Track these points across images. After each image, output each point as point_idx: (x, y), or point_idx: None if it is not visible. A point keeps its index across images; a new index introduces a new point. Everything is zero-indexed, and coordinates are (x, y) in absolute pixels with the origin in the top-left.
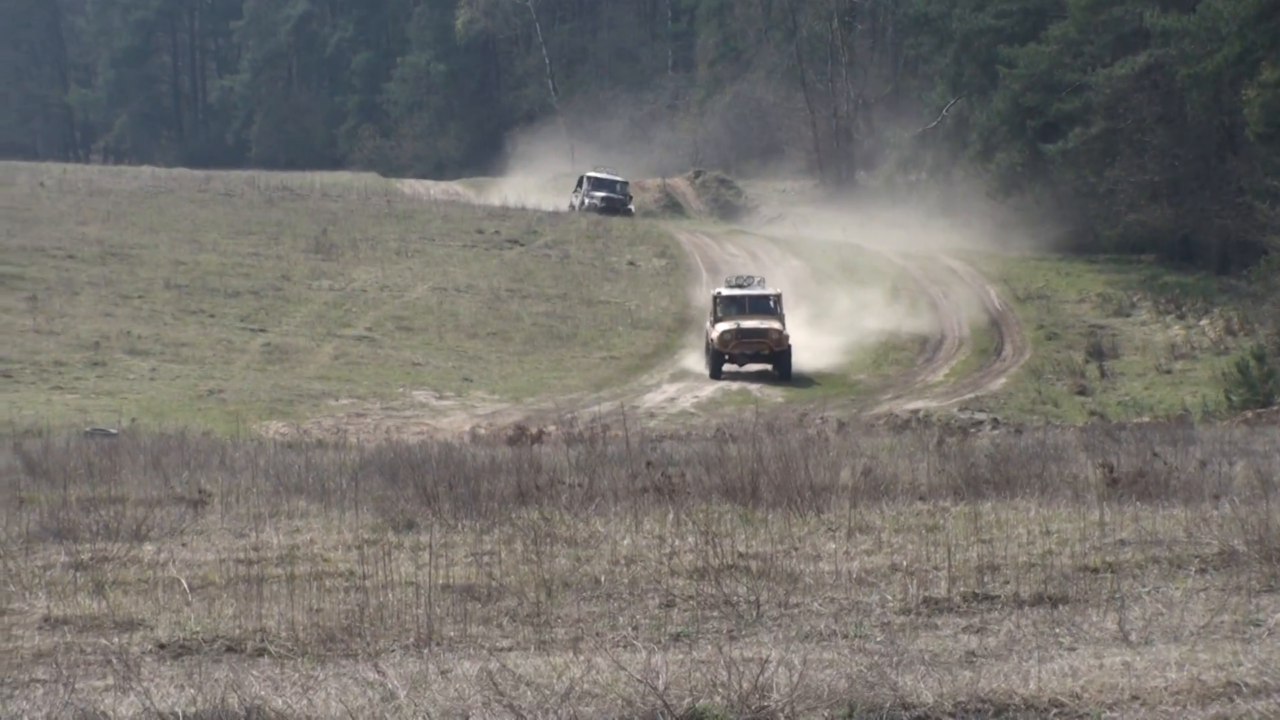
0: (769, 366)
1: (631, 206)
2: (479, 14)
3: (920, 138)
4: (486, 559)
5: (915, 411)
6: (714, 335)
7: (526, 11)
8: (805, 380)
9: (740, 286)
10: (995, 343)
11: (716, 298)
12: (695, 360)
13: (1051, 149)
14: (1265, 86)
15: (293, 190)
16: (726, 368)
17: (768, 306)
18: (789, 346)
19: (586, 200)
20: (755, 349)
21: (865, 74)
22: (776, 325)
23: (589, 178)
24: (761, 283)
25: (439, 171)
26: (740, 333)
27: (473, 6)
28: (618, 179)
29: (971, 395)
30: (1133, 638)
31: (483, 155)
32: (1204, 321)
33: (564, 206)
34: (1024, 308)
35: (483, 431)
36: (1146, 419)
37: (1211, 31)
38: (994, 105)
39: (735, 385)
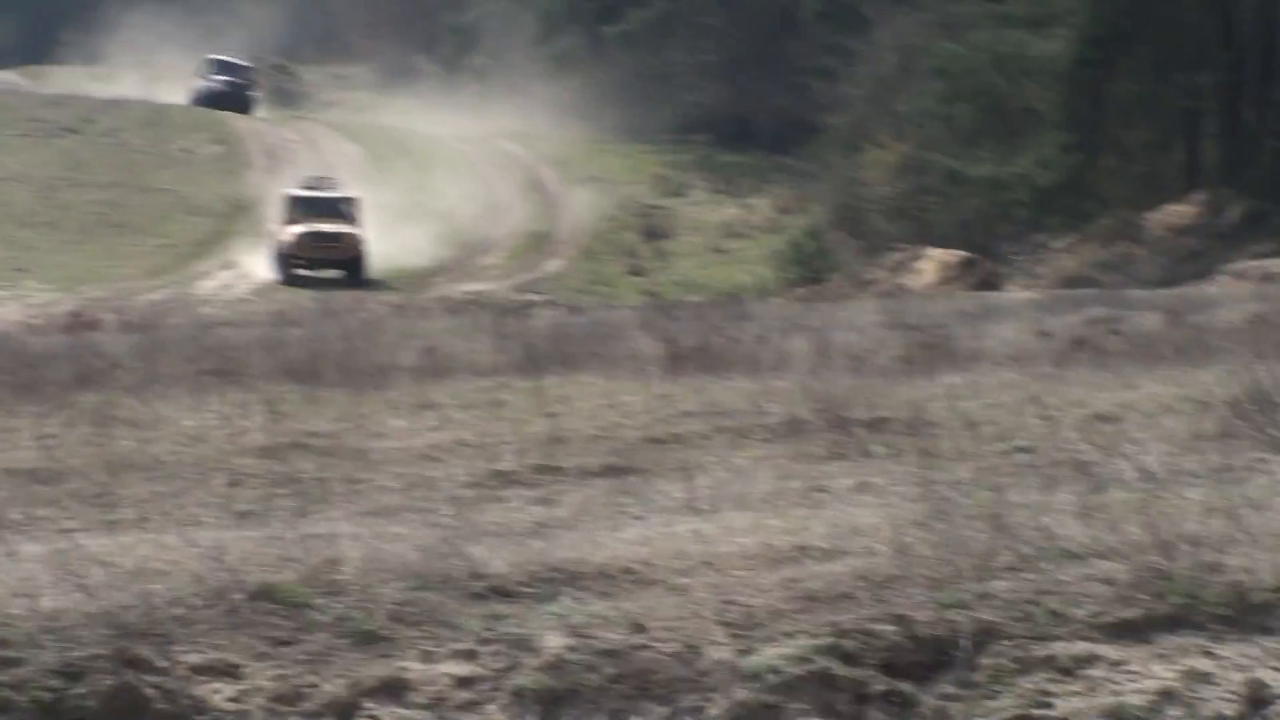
0: (343, 272)
1: (256, 95)
2: None
3: (478, 21)
4: (49, 442)
5: (471, 294)
6: (285, 238)
7: None
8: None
9: (314, 188)
10: (550, 225)
11: (288, 198)
12: (255, 259)
13: (610, 30)
14: None
15: None
16: (298, 272)
17: (342, 209)
18: (362, 252)
19: (205, 84)
20: (328, 254)
21: None
22: (352, 230)
23: (209, 60)
24: (335, 184)
25: None
26: (314, 236)
27: None
28: (243, 63)
29: (527, 278)
30: (702, 506)
31: (39, 44)
32: (758, 200)
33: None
34: (580, 190)
35: (37, 321)
36: (701, 298)
37: None
38: None
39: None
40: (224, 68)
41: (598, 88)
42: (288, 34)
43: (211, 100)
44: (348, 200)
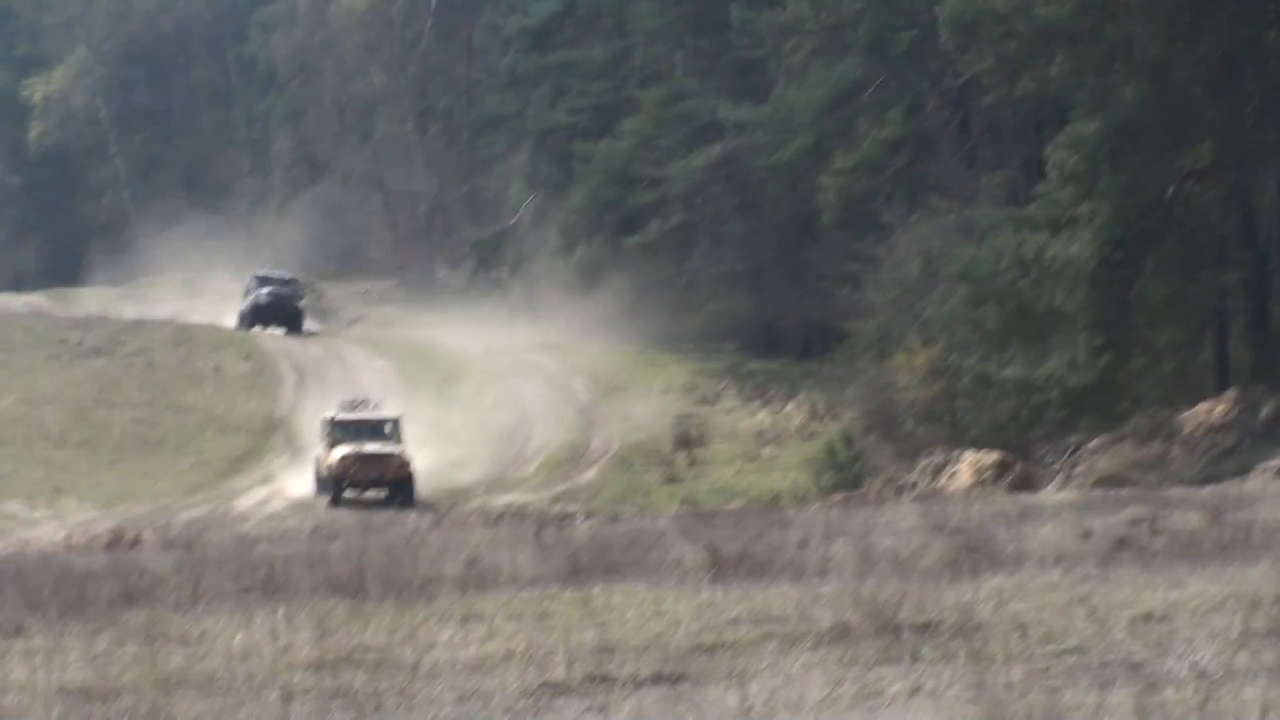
0: (391, 493)
1: (303, 306)
2: (53, 126)
3: (499, 235)
4: (99, 661)
5: (508, 505)
6: (332, 460)
7: (100, 122)
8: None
9: (356, 409)
10: (584, 435)
11: (331, 421)
12: (292, 476)
13: (631, 242)
14: (839, 174)
15: None
16: (345, 495)
17: (385, 430)
18: (410, 472)
19: (252, 300)
20: (378, 474)
21: (443, 174)
22: (398, 451)
23: (256, 276)
24: (377, 406)
25: (19, 284)
26: (361, 458)
27: (46, 119)
28: (288, 276)
29: (563, 488)
30: (755, 713)
31: (63, 266)
32: (789, 407)
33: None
34: (611, 400)
35: (76, 540)
36: (738, 505)
37: (785, 122)
38: (572, 200)
39: None
40: (270, 283)
41: (623, 298)
42: (310, 251)
43: (260, 317)
44: (391, 421)
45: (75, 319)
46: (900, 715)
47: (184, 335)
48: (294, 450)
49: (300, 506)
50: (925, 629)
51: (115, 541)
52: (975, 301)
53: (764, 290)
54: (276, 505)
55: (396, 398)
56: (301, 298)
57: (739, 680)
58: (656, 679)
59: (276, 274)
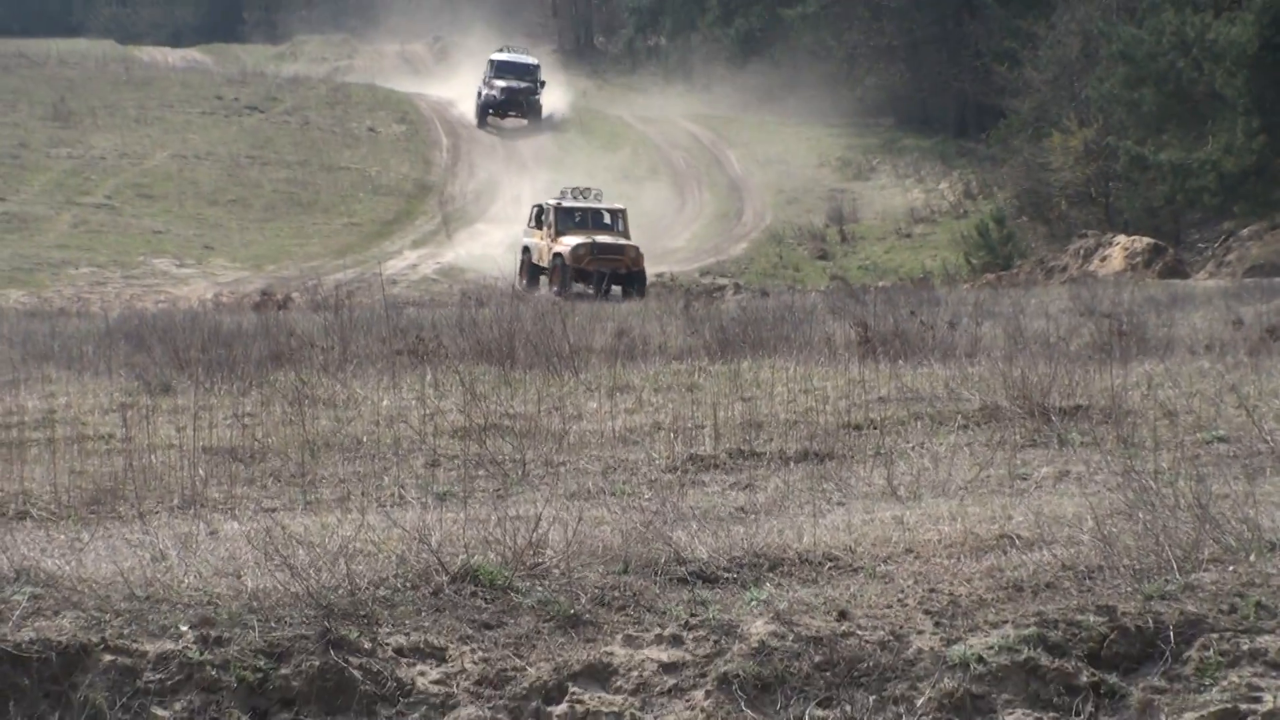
0: (624, 287)
1: (538, 99)
2: None
3: (658, 1)
4: (247, 420)
5: (659, 275)
6: (563, 250)
7: None
8: None
9: (580, 198)
10: (735, 207)
11: (556, 209)
12: (450, 245)
13: (790, 13)
14: None
15: (28, 57)
16: (574, 288)
17: (613, 223)
18: (644, 267)
19: (485, 92)
20: (613, 267)
21: None
22: (632, 243)
23: (492, 61)
24: (599, 195)
25: (177, 39)
26: (596, 248)
27: None
28: (528, 61)
29: (713, 260)
30: (901, 492)
31: (221, 22)
32: (943, 185)
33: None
34: (764, 172)
35: (225, 299)
36: (888, 282)
37: None
38: None
39: (478, 250)
40: (507, 72)
41: (778, 69)
42: (468, 15)
43: (496, 108)
44: (619, 212)
45: (231, 75)
46: (1047, 499)
47: (339, 94)
48: (445, 215)
49: (450, 270)
50: (1074, 413)
51: (264, 301)
52: (1133, 82)
53: (921, 66)
54: (427, 269)
55: (549, 164)
56: (539, 88)
57: (886, 459)
58: (803, 456)
59: (514, 59)
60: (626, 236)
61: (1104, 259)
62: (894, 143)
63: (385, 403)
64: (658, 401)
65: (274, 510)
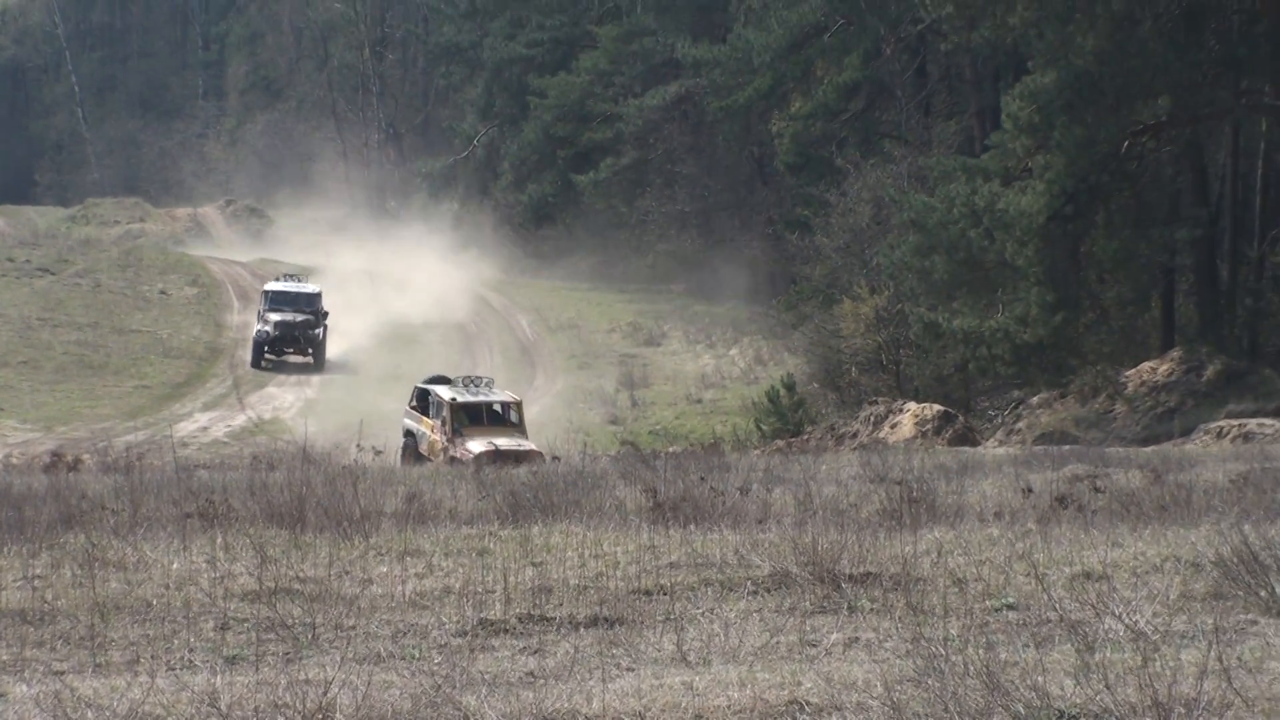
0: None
1: (320, 332)
2: (8, 41)
3: (452, 167)
4: (37, 583)
5: None
6: (465, 458)
7: (56, 39)
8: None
9: (473, 387)
10: (526, 372)
11: (451, 405)
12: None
13: (583, 179)
14: (795, 118)
15: None
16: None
17: (505, 414)
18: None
19: (259, 328)
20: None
21: (397, 104)
22: (532, 446)
23: (266, 292)
24: (490, 384)
25: None
26: (499, 455)
27: (2, 34)
28: (307, 290)
29: None
30: (691, 658)
31: (13, 184)
32: (734, 351)
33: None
34: (555, 337)
35: (15, 461)
36: (679, 448)
37: (743, 63)
38: (525, 135)
39: (269, 414)
40: (283, 303)
41: (570, 235)
42: (261, 177)
43: (272, 345)
44: (511, 405)
45: (23, 237)
46: (837, 665)
47: (131, 257)
48: (237, 379)
49: (241, 434)
50: (864, 580)
51: (55, 462)
52: (925, 250)
53: (713, 232)
54: (218, 432)
55: (339, 322)
56: (320, 319)
57: (676, 625)
58: (593, 621)
59: (290, 289)
60: (523, 432)
61: (894, 426)
62: (685, 308)
63: (175, 565)
64: (448, 566)
65: (63, 673)
